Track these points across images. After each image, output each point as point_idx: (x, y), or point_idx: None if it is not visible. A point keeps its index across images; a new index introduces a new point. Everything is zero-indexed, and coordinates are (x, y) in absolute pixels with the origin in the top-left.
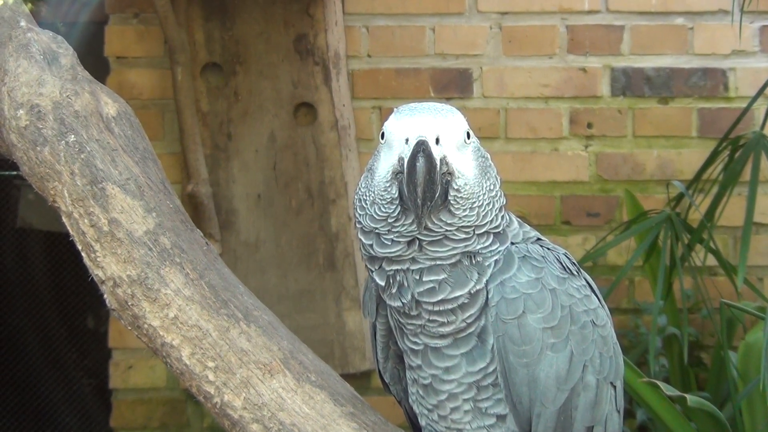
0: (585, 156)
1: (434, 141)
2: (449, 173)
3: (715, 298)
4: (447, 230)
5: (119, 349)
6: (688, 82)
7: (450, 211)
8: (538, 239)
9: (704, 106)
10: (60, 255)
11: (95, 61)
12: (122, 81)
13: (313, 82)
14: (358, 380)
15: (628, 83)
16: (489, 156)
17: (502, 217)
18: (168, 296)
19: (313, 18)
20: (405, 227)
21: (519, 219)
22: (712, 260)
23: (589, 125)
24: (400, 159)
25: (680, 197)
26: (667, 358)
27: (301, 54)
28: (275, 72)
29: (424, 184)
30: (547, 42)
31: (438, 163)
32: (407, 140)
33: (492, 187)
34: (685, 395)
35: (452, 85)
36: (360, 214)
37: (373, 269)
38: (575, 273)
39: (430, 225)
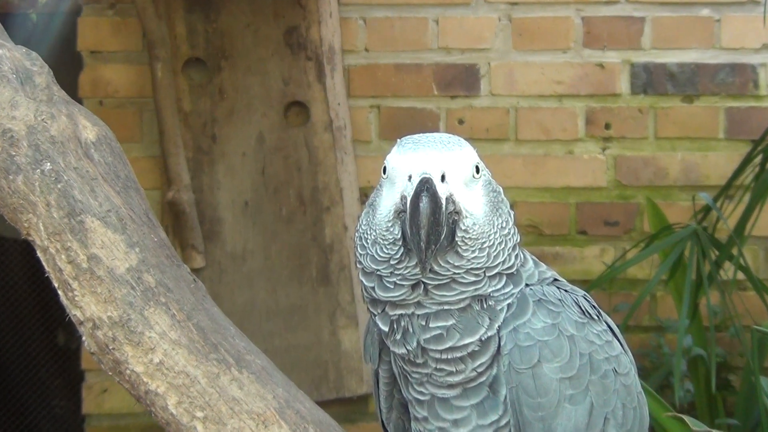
0: (602, 159)
1: (439, 178)
2: (456, 212)
3: (744, 315)
4: (455, 273)
5: (93, 371)
6: (714, 78)
7: (458, 252)
8: (555, 280)
9: (732, 105)
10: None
11: (67, 57)
12: (96, 78)
13: (305, 79)
14: (355, 405)
15: (649, 80)
16: (501, 190)
17: (516, 256)
18: (152, 339)
19: (305, 9)
20: (408, 270)
21: (534, 258)
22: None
23: (607, 126)
24: (403, 198)
25: (707, 209)
26: (692, 381)
27: (293, 48)
28: (264, 68)
29: (428, 225)
30: (561, 35)
31: (443, 202)
32: (410, 177)
33: (504, 225)
34: None
35: (457, 82)
36: (361, 254)
37: (375, 313)
38: (595, 317)
39: (436, 268)
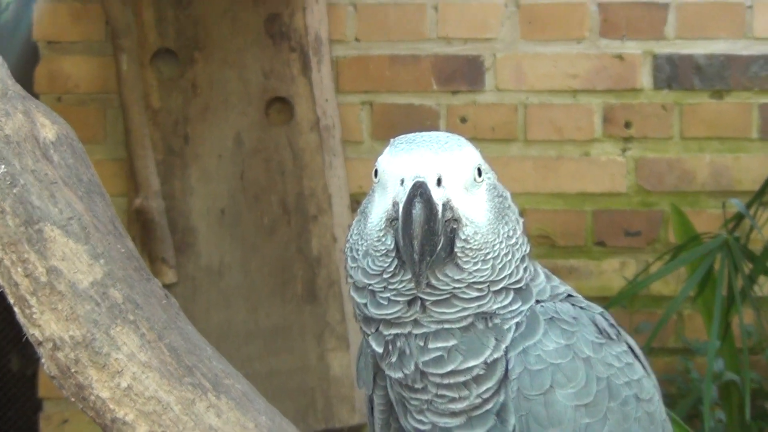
0: (622, 162)
1: (435, 182)
2: (455, 220)
3: None
4: (455, 288)
5: (51, 399)
6: (746, 72)
7: (457, 265)
8: (569, 296)
9: (767, 102)
10: None
11: (22, 48)
12: (54, 71)
13: (288, 73)
14: None
15: (674, 73)
16: (509, 195)
17: (525, 269)
18: (120, 362)
19: None
20: (403, 285)
21: (546, 271)
22: None
23: (627, 124)
24: (395, 204)
25: (739, 217)
26: (724, 410)
27: (274, 38)
28: (242, 60)
29: (422, 235)
30: (575, 23)
31: (439, 209)
32: (402, 181)
33: (511, 233)
34: None
35: (459, 76)
36: (351, 267)
37: (368, 333)
38: (614, 337)
39: (433, 282)
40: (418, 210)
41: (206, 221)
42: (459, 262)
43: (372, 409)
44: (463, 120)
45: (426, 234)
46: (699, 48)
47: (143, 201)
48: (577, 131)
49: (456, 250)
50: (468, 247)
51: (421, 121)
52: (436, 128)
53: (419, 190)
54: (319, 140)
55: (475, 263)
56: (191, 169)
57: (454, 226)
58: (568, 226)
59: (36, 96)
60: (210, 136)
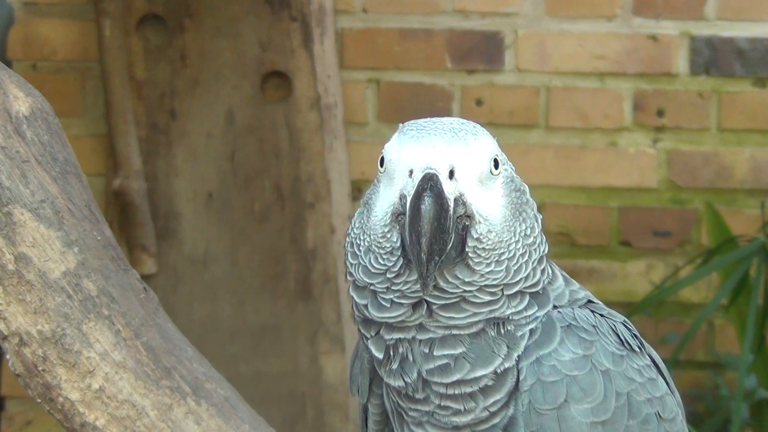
0: (653, 154)
1: (447, 174)
2: (467, 216)
3: None
4: (465, 291)
5: (15, 398)
6: None
7: (468, 266)
8: (589, 302)
9: None
10: None
11: None
12: (30, 35)
13: (288, 44)
14: None
15: (713, 58)
16: (527, 189)
17: (542, 271)
18: (92, 360)
19: None
20: (408, 286)
21: (565, 274)
22: None
23: (660, 113)
24: (402, 197)
25: None
26: (755, 430)
27: (273, 5)
28: (237, 29)
29: (431, 232)
30: None
31: (451, 204)
32: (411, 172)
33: (528, 232)
34: None
35: (476, 54)
36: (351, 264)
37: (367, 336)
38: (637, 349)
39: (442, 284)
40: (427, 205)
41: (192, 206)
42: (470, 262)
43: (366, 420)
44: (479, 102)
45: (435, 232)
46: (742, 31)
47: (123, 182)
48: (604, 119)
49: (467, 249)
50: (481, 246)
51: (432, 102)
52: (448, 110)
53: (429, 183)
54: (320, 120)
55: (488, 264)
56: (177, 147)
57: (467, 224)
58: (590, 223)
59: (9, 63)
60: (199, 112)
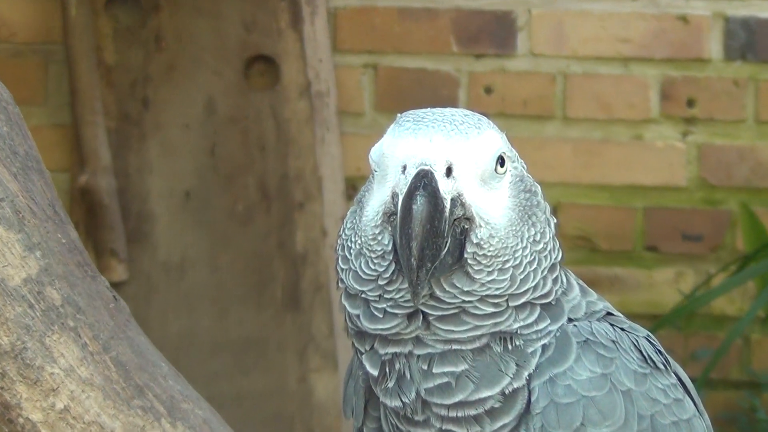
0: (682, 149)
1: (443, 171)
2: (467, 218)
3: None
4: (464, 301)
5: None
6: None
7: (467, 273)
8: (608, 314)
9: None
10: None
11: None
12: None
13: (274, 25)
14: None
15: (750, 41)
16: (539, 190)
17: (555, 280)
18: (56, 377)
19: None
20: (401, 294)
21: (582, 283)
22: None
23: (690, 103)
24: (394, 195)
25: None
26: None
27: None
28: (218, 8)
29: (423, 236)
30: None
31: (447, 204)
32: (404, 168)
33: (539, 237)
34: None
35: (485, 36)
36: (342, 269)
37: (362, 350)
38: (661, 366)
39: (438, 293)
40: (419, 205)
41: (167, 206)
42: (469, 270)
43: None
44: (489, 91)
45: (428, 235)
46: None
47: (90, 178)
48: (629, 109)
49: (466, 255)
50: (481, 252)
51: (435, 89)
52: (454, 99)
53: (423, 181)
54: (310, 110)
55: (490, 272)
56: (151, 140)
57: (466, 227)
58: (613, 226)
59: None
60: (175, 100)
